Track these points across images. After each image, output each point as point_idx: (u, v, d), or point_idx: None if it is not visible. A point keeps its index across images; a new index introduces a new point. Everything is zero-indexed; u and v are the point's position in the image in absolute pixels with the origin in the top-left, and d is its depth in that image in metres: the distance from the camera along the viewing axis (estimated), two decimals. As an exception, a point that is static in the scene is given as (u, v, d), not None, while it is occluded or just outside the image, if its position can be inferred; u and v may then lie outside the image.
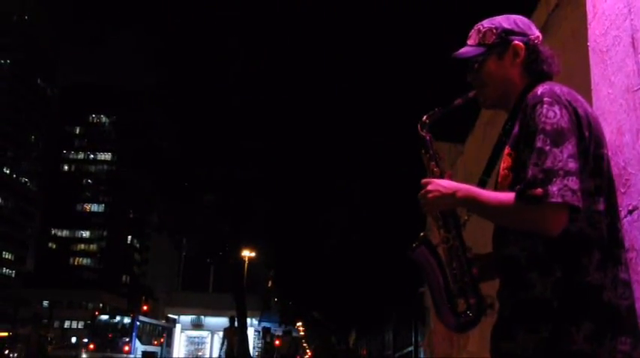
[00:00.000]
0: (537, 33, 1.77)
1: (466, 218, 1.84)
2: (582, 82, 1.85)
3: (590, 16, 2.00)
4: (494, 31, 1.77)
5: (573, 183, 1.49)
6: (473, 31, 1.83)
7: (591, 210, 1.55)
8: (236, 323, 20.26)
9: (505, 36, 1.75)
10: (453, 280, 1.76)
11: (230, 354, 17.79)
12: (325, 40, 14.77)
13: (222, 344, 18.04)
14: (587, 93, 1.78)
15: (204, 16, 18.44)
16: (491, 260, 1.78)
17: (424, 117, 1.86)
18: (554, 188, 1.48)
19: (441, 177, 1.78)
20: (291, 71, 16.76)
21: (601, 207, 1.56)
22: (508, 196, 1.56)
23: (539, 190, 1.49)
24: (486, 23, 1.81)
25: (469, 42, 1.82)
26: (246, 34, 17.66)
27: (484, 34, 1.78)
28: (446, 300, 1.77)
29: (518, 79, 1.75)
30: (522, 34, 1.75)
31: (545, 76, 1.73)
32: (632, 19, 1.70)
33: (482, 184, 1.76)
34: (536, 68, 1.74)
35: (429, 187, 1.71)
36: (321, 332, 34.24)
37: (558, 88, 1.62)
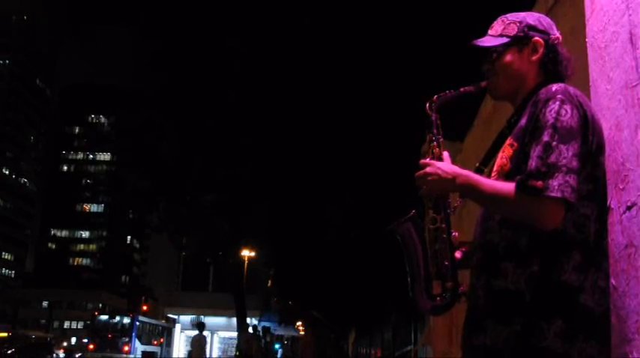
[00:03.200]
0: (558, 34, 1.78)
1: (457, 204, 1.83)
2: (581, 78, 1.85)
3: (588, 12, 2.00)
4: (518, 24, 1.77)
5: (574, 181, 1.50)
6: (496, 22, 1.83)
7: (578, 213, 1.56)
8: (250, 329, 20.34)
9: (528, 31, 1.76)
10: (433, 262, 1.74)
11: None
12: (322, 40, 14.80)
13: (238, 345, 18.07)
14: (585, 90, 1.78)
15: (202, 15, 18.48)
16: (473, 247, 1.77)
17: (434, 97, 1.85)
18: (555, 182, 1.49)
19: (440, 159, 1.75)
20: (288, 71, 16.79)
21: (588, 211, 1.58)
22: (507, 185, 1.57)
23: (540, 182, 1.50)
24: (510, 16, 1.81)
25: (490, 32, 1.82)
26: (245, 33, 17.68)
27: (507, 26, 1.78)
28: (422, 281, 1.75)
29: (532, 75, 1.76)
30: (544, 33, 1.76)
31: (559, 78, 1.73)
32: (630, 15, 1.70)
33: (478, 173, 1.74)
34: (551, 68, 1.75)
35: (429, 170, 1.69)
36: (320, 332, 34.23)
37: (572, 89, 1.64)
